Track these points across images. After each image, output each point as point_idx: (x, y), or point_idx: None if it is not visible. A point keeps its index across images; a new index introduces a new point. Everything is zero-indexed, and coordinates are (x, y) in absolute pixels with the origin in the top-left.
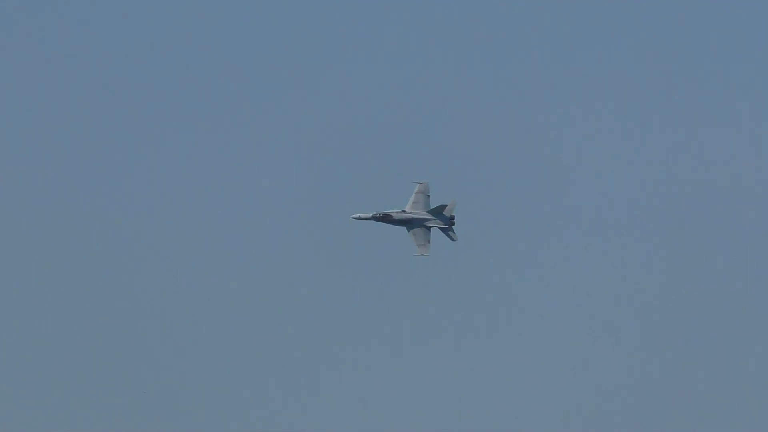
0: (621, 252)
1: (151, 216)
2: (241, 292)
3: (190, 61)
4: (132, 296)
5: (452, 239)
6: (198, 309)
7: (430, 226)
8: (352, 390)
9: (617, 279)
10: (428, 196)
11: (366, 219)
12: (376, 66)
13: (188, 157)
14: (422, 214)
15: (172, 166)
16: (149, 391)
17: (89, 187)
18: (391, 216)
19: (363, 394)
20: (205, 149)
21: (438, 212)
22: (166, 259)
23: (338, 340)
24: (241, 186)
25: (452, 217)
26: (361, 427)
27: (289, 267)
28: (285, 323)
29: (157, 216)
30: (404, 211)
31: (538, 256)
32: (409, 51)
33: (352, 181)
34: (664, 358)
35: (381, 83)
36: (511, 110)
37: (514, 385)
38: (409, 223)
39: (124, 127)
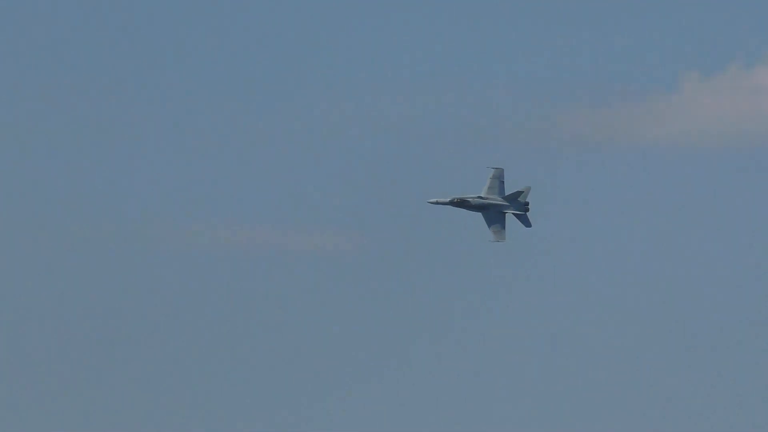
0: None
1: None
2: (311, 275)
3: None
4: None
5: (527, 226)
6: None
7: (506, 212)
8: (428, 375)
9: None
10: (503, 182)
11: (443, 204)
12: (448, 49)
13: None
14: (498, 200)
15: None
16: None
17: (92, 188)
18: (468, 201)
19: (441, 379)
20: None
21: (513, 198)
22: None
23: (414, 327)
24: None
25: (527, 204)
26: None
27: (367, 251)
28: (360, 310)
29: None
30: (480, 197)
31: (611, 243)
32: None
33: (427, 165)
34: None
35: (453, 67)
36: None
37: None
38: (486, 209)
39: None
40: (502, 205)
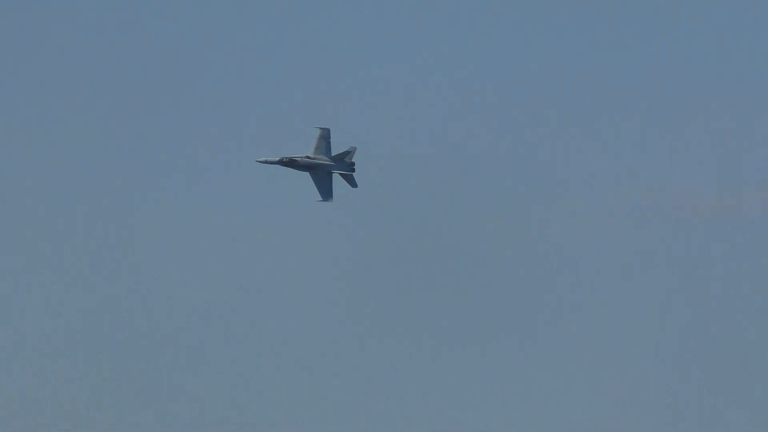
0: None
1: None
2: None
3: None
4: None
5: (353, 186)
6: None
7: (333, 172)
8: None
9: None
10: (329, 142)
11: (272, 163)
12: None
13: None
14: (325, 159)
15: None
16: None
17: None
18: (296, 161)
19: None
20: None
21: (341, 158)
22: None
23: (241, 285)
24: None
25: (353, 164)
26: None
27: (197, 210)
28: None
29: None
30: (308, 157)
31: (435, 201)
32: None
33: (255, 124)
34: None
35: (287, 29)
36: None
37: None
38: (313, 169)
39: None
40: (330, 165)
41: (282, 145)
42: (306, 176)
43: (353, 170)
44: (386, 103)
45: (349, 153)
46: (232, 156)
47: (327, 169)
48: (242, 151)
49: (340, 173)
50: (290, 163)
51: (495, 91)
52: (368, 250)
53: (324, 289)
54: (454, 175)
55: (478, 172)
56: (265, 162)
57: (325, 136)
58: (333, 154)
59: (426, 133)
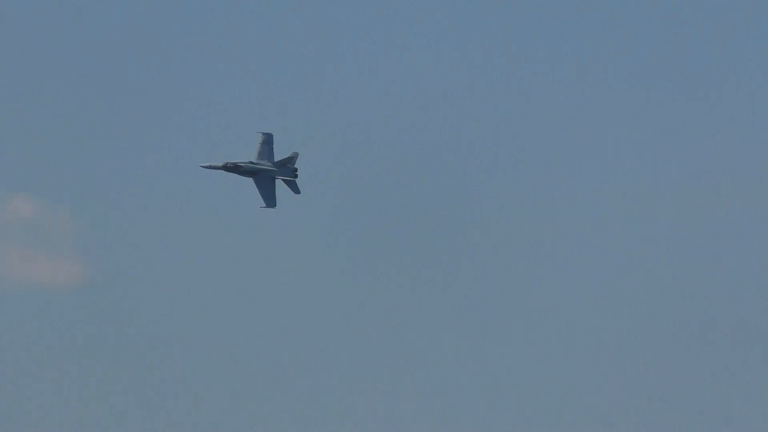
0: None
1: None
2: None
3: None
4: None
5: (296, 192)
6: None
7: (276, 178)
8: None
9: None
10: (272, 147)
11: (216, 168)
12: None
13: None
14: (268, 165)
15: None
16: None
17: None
18: (240, 166)
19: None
20: None
21: (284, 164)
22: None
23: (183, 290)
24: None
25: (295, 170)
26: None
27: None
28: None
29: None
30: (252, 162)
31: (376, 205)
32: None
33: (198, 129)
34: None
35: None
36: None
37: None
38: (257, 174)
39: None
40: (273, 170)
41: (223, 149)
42: (249, 182)
43: (296, 176)
44: (332, 105)
45: (291, 158)
46: (175, 160)
47: (270, 175)
48: (186, 156)
49: (283, 179)
50: (234, 168)
51: (437, 89)
52: (313, 256)
53: (266, 294)
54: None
55: (426, 171)
56: (209, 167)
57: (268, 141)
58: (276, 159)
59: (372, 132)
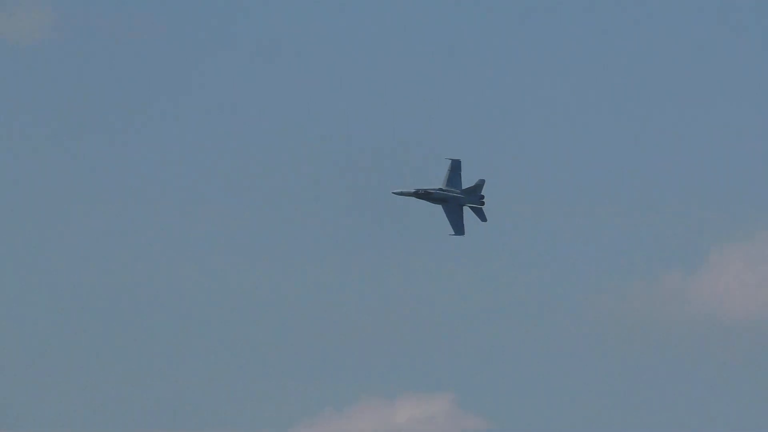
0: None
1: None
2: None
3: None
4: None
5: (483, 220)
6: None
7: (464, 205)
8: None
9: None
10: (460, 173)
11: (407, 195)
12: (411, 41)
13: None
14: (457, 192)
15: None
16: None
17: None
18: (431, 193)
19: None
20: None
21: (472, 191)
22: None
23: (372, 318)
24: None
25: (482, 197)
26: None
27: (333, 242)
28: (324, 295)
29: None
30: (442, 189)
31: (568, 236)
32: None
33: (383, 156)
34: None
35: (413, 60)
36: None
37: (538, 369)
38: (446, 202)
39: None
40: (461, 197)
41: (412, 176)
42: (438, 209)
43: (483, 203)
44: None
45: (479, 186)
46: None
47: (459, 203)
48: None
49: (470, 206)
50: (425, 195)
51: None
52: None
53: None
54: None
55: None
56: (401, 194)
57: (456, 168)
58: (464, 187)
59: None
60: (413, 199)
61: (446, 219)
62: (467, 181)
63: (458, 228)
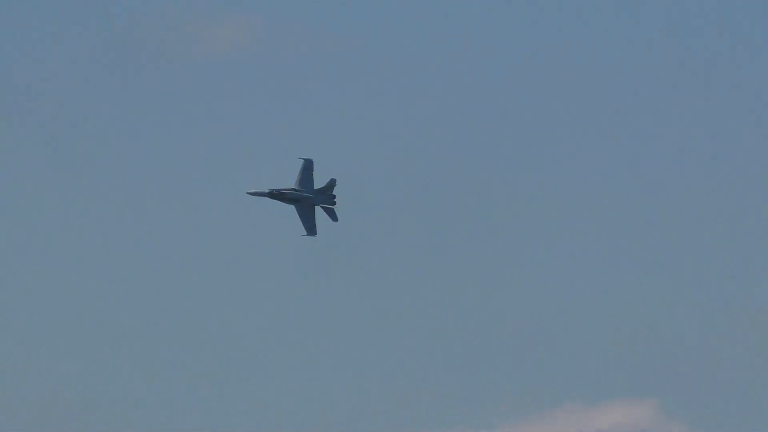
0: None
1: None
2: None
3: None
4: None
5: (334, 220)
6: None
7: (316, 205)
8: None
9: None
10: (312, 173)
11: (261, 195)
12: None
13: None
14: (311, 192)
15: None
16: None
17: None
18: (284, 193)
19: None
20: None
21: (325, 191)
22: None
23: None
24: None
25: (334, 197)
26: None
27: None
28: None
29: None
30: (295, 189)
31: (418, 234)
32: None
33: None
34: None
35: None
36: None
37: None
38: (299, 202)
39: None
40: (314, 197)
41: (266, 175)
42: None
43: (334, 203)
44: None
45: (330, 186)
46: (220, 187)
47: (311, 203)
48: (229, 182)
49: (322, 206)
50: (278, 195)
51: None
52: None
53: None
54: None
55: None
56: (255, 194)
57: (309, 167)
58: (316, 186)
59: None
60: (267, 199)
61: (299, 220)
62: (319, 181)
63: (311, 229)
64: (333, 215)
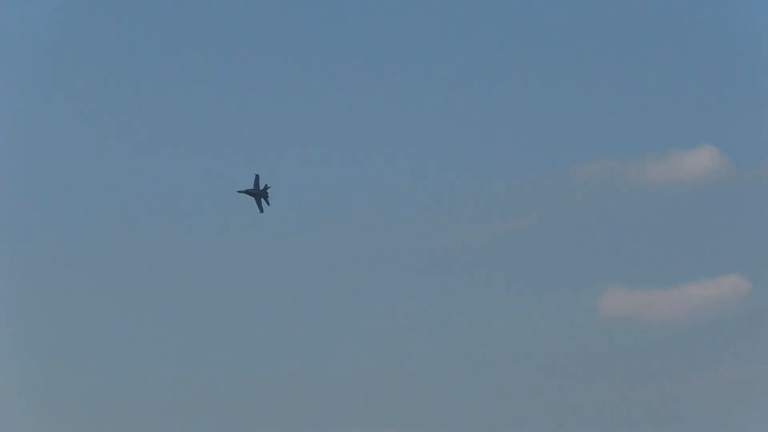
0: None
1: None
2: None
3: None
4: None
5: (261, 211)
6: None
7: (262, 198)
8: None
9: None
10: (258, 181)
11: (242, 192)
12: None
13: None
14: (261, 191)
15: None
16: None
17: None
18: (251, 191)
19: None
20: None
21: (263, 190)
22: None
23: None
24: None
25: (266, 187)
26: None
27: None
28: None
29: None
30: (256, 189)
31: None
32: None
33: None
34: None
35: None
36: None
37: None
38: (257, 196)
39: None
40: (262, 192)
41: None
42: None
43: (266, 194)
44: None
45: (267, 187)
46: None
47: (262, 197)
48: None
49: (264, 200)
50: (249, 192)
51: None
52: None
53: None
54: None
55: None
56: (241, 192)
57: (258, 178)
58: (260, 188)
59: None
60: (245, 195)
61: (256, 206)
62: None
63: (261, 210)
64: (261, 208)
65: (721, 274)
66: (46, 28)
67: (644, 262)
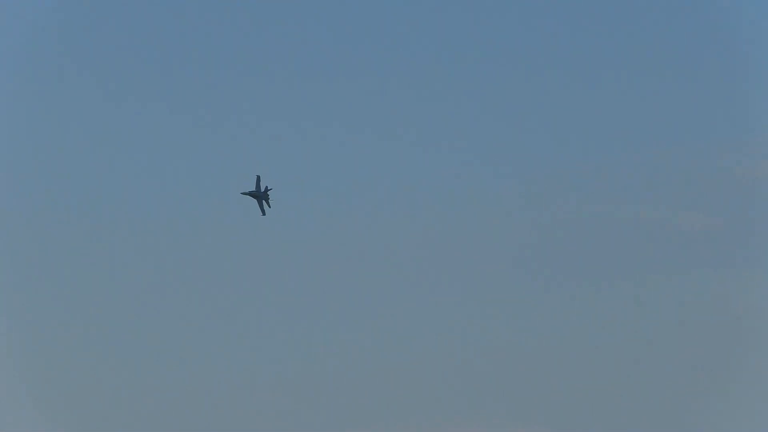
0: None
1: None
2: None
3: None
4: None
5: (263, 214)
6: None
7: (264, 199)
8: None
9: None
10: (259, 182)
11: (246, 194)
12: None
13: None
14: (261, 192)
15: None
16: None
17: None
18: (254, 193)
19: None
20: None
21: (265, 192)
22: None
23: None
24: None
25: (267, 189)
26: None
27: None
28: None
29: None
30: (258, 190)
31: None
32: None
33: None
34: None
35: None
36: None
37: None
38: (260, 198)
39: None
40: (263, 194)
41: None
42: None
43: (267, 197)
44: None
45: (268, 189)
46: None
47: (264, 199)
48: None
49: (266, 202)
50: (251, 194)
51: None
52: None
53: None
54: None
55: None
56: (245, 194)
57: (259, 179)
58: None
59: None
60: (248, 197)
61: (258, 207)
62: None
63: (263, 212)
64: (263, 211)
65: None
66: (47, 28)
67: None
